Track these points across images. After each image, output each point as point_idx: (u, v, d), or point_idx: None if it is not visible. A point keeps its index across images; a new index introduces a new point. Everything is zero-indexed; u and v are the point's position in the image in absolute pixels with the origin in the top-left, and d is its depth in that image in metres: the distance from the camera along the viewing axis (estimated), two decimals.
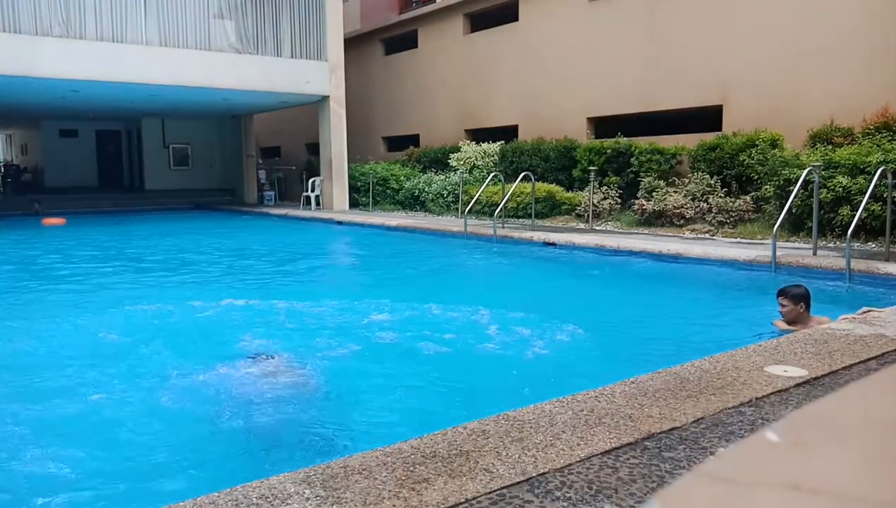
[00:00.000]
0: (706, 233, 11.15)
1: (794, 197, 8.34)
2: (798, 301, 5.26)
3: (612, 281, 8.63)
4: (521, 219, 13.82)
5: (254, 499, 2.04)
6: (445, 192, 16.67)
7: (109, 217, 19.76)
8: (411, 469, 2.23)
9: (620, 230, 12.17)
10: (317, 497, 2.04)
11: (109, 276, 9.46)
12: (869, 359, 3.49)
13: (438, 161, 18.30)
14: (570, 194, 14.18)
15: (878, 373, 0.78)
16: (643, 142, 13.55)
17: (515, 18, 17.14)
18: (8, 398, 4.35)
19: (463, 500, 2.03)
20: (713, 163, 12.07)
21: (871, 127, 10.42)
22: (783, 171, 10.10)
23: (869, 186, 7.85)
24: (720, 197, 11.58)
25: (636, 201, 12.62)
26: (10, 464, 3.40)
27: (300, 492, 2.07)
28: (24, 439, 3.71)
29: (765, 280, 7.74)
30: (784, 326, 5.26)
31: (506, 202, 12.75)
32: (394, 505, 2.00)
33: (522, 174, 12.87)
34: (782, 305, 5.32)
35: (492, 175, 13.48)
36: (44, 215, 18.13)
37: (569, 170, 14.72)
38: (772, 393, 2.96)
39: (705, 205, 11.66)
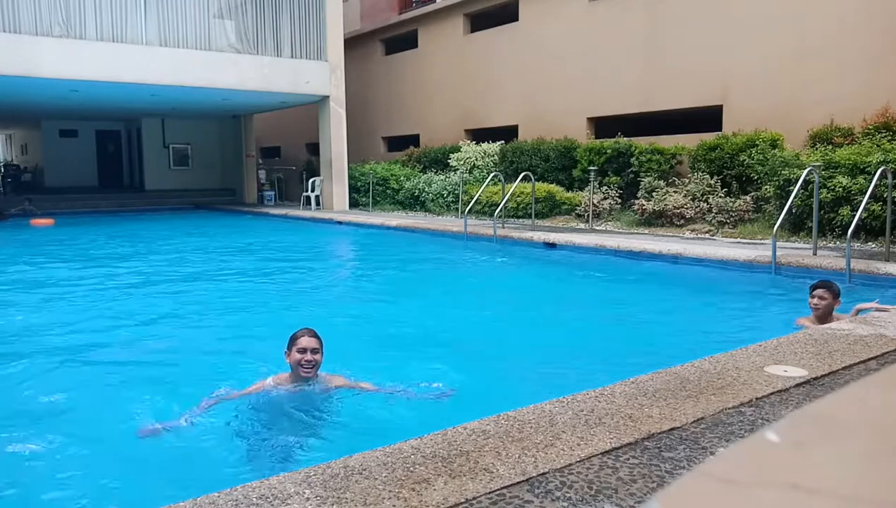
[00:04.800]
0: (706, 233, 11.15)
1: (794, 197, 8.34)
2: (838, 296, 5.11)
3: (611, 282, 8.63)
4: (521, 219, 13.82)
5: (254, 499, 2.04)
6: (445, 192, 16.67)
7: (108, 217, 19.76)
8: (411, 469, 2.23)
9: (620, 230, 12.17)
10: (317, 497, 2.04)
11: (109, 277, 9.46)
12: (869, 359, 3.49)
13: (438, 161, 18.30)
14: (570, 194, 14.19)
15: (878, 373, 0.78)
16: (643, 142, 13.56)
17: (515, 18, 17.14)
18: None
19: (463, 500, 2.03)
20: (713, 163, 12.07)
21: (871, 127, 10.43)
22: (783, 171, 10.10)
23: (869, 186, 7.84)
24: (720, 197, 11.58)
25: (636, 201, 12.62)
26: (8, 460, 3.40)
27: (300, 492, 2.07)
28: (25, 433, 3.71)
29: (765, 280, 7.75)
30: (808, 323, 5.04)
31: (506, 202, 12.75)
32: (394, 505, 2.00)
33: (522, 174, 12.87)
34: (822, 298, 5.04)
35: (492, 175, 13.49)
36: (33, 216, 18.08)
37: (569, 170, 14.73)
38: (772, 393, 2.96)
39: (705, 205, 11.66)
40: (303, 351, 3.90)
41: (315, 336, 3.98)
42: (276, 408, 3.87)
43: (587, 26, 15.36)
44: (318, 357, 3.95)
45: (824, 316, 5.05)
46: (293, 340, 3.97)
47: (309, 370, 3.93)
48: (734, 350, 3.66)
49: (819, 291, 5.12)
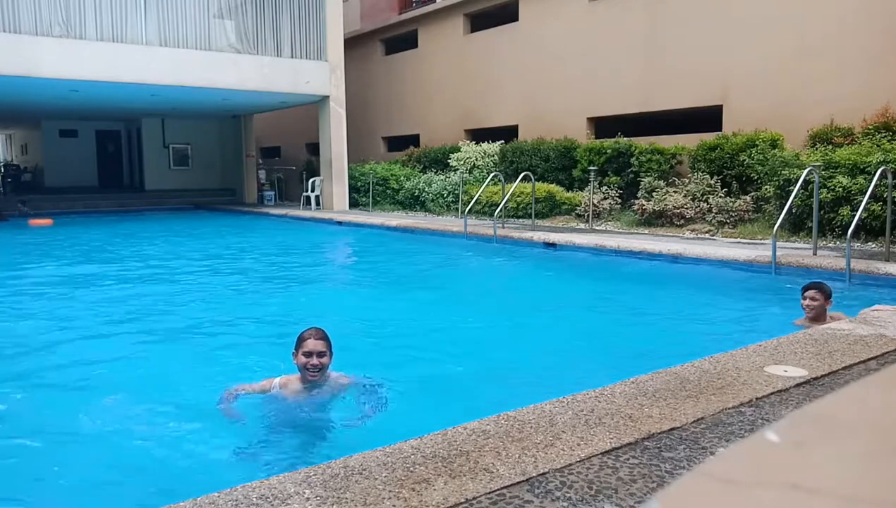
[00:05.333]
0: (706, 233, 11.15)
1: (794, 197, 8.34)
2: (829, 297, 5.16)
3: (611, 282, 8.63)
4: (521, 219, 13.82)
5: (254, 499, 2.04)
6: (445, 192, 16.67)
7: (108, 217, 19.75)
8: (411, 469, 2.23)
9: (620, 230, 12.17)
10: (317, 497, 2.04)
11: (106, 278, 9.46)
12: (869, 359, 3.49)
13: (438, 161, 18.31)
14: (570, 194, 14.19)
15: (878, 373, 0.78)
16: (643, 142, 13.56)
17: (515, 18, 17.15)
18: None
19: (463, 500, 2.03)
20: (713, 163, 12.08)
21: (871, 127, 10.43)
22: (783, 171, 10.11)
23: (869, 186, 7.85)
24: (720, 197, 11.58)
25: (636, 201, 12.62)
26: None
27: (300, 492, 2.07)
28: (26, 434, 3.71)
29: (765, 280, 7.75)
30: (805, 324, 5.07)
31: (506, 202, 12.75)
32: (394, 505, 2.00)
33: (522, 174, 12.87)
34: (813, 299, 5.09)
35: (492, 175, 13.49)
36: (28, 217, 18.04)
37: (569, 170, 14.73)
38: (772, 393, 2.96)
39: (705, 205, 11.67)
40: (309, 354, 3.74)
41: (323, 338, 3.82)
42: (279, 409, 3.87)
43: (587, 26, 15.36)
44: (324, 360, 3.80)
45: (817, 318, 5.08)
46: (300, 342, 3.82)
47: (315, 374, 3.79)
48: (734, 350, 3.66)
49: (811, 292, 5.16)
